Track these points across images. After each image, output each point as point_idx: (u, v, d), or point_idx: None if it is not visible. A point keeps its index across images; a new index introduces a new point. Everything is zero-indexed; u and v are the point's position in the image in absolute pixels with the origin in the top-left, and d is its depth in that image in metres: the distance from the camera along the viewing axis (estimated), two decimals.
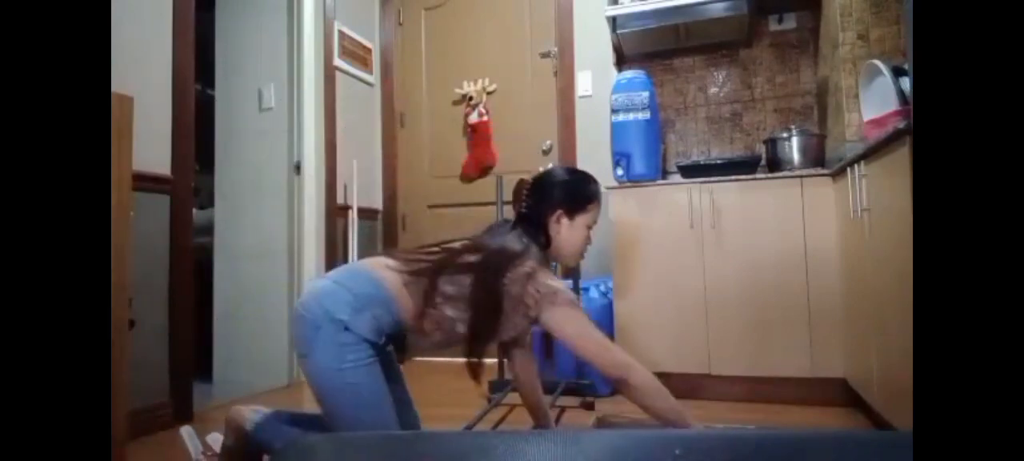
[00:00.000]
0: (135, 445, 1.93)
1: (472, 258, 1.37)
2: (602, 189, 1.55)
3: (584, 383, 2.39)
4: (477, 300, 1.33)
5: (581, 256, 1.52)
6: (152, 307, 2.21)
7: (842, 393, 2.26)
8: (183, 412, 2.27)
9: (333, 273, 1.39)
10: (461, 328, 1.36)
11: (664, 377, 2.46)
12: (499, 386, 2.49)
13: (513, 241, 1.41)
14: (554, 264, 1.88)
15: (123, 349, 1.56)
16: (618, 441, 0.72)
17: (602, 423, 2.11)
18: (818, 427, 2.06)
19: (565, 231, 1.45)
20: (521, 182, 1.54)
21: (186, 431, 1.68)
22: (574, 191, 1.48)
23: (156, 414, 2.16)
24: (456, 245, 1.43)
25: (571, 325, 1.33)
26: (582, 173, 1.56)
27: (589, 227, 1.49)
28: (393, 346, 1.47)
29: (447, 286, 1.34)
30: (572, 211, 1.45)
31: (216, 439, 1.61)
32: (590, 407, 2.34)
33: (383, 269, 1.36)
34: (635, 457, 0.63)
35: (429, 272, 1.35)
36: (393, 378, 1.44)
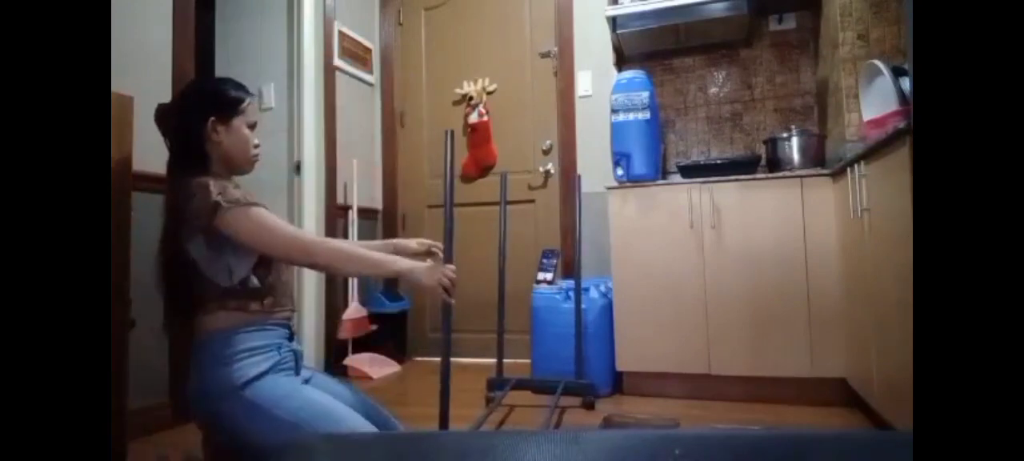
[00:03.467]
0: (135, 445, 1.93)
1: (172, 234, 1.32)
2: (252, 95, 1.45)
3: (583, 383, 2.39)
4: (172, 260, 1.29)
5: (254, 159, 1.43)
6: (152, 307, 2.20)
7: (842, 393, 2.26)
8: (183, 412, 2.26)
9: (192, 363, 1.30)
10: (254, 282, 1.29)
11: (664, 377, 2.51)
12: (498, 385, 2.48)
13: (175, 180, 1.34)
14: (553, 262, 1.87)
15: (123, 349, 1.56)
16: (618, 441, 0.72)
17: (608, 423, 2.11)
18: (818, 427, 2.06)
19: (226, 138, 1.36)
20: (160, 106, 1.44)
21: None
22: (220, 96, 1.39)
23: (156, 414, 2.16)
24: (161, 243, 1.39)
25: (244, 230, 1.23)
26: (220, 78, 1.48)
27: (250, 127, 1.40)
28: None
29: (208, 283, 1.28)
30: (225, 116, 1.37)
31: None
32: (590, 407, 2.34)
33: (199, 320, 1.30)
34: (635, 457, 0.63)
35: (186, 293, 1.30)
36: (329, 388, 1.37)
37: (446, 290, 1.28)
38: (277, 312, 1.34)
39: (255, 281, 1.30)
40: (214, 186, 1.25)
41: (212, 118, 1.35)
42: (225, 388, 1.20)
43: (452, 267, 1.31)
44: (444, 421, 1.62)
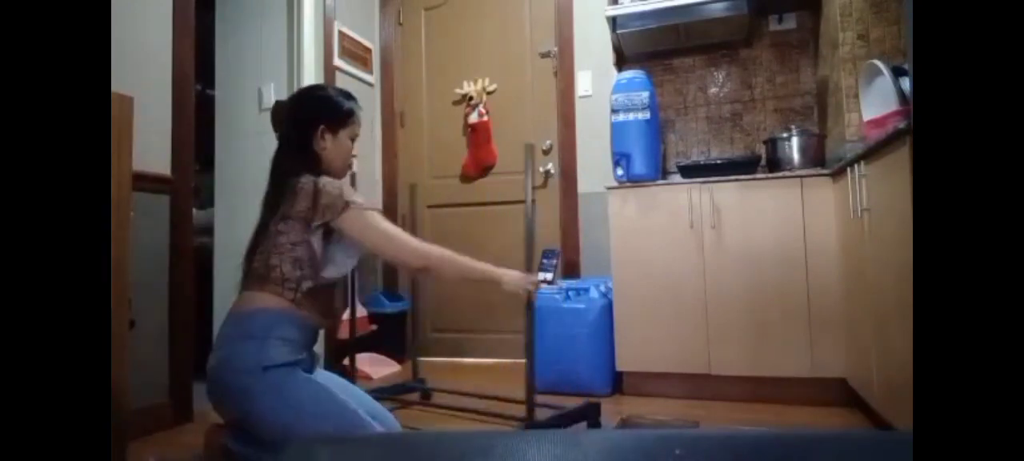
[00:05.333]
0: (135, 445, 1.93)
1: (272, 218, 1.37)
2: (360, 107, 1.59)
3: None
4: (287, 246, 1.33)
5: (348, 169, 1.55)
6: (152, 307, 2.21)
7: (842, 393, 2.26)
8: (183, 412, 2.27)
9: (220, 337, 1.33)
10: (308, 284, 1.34)
11: (664, 377, 2.51)
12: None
13: (288, 173, 1.41)
14: (553, 262, 1.88)
15: (123, 349, 1.56)
16: (618, 441, 0.73)
17: (626, 423, 2.11)
18: (818, 427, 2.06)
19: (331, 146, 1.47)
20: (278, 105, 1.57)
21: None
22: (335, 106, 1.51)
23: (156, 414, 2.16)
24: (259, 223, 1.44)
25: (364, 231, 1.35)
26: (338, 89, 1.61)
27: (352, 140, 1.52)
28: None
29: (285, 265, 1.32)
30: (335, 126, 1.48)
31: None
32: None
33: (258, 292, 1.33)
34: (635, 457, 0.63)
35: (263, 266, 1.34)
36: (340, 386, 1.42)
37: (529, 296, 1.59)
38: (319, 318, 1.40)
39: (325, 281, 1.38)
40: (342, 186, 1.36)
41: (322, 126, 1.46)
42: (250, 364, 1.24)
43: (537, 278, 1.61)
44: (530, 414, 1.86)
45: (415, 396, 2.59)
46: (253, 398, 1.23)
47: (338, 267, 1.38)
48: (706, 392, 2.47)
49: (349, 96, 1.55)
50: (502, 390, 2.45)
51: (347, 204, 1.32)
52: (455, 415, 2.34)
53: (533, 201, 1.95)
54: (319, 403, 1.25)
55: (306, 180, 1.35)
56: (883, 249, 1.68)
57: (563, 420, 1.98)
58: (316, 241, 1.34)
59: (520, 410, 2.05)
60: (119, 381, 1.50)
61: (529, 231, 1.88)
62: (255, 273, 1.34)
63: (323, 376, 1.41)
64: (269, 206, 1.40)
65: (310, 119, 1.46)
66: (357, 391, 1.45)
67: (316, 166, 1.44)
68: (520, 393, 2.05)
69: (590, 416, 2.03)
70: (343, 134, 1.49)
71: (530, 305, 1.77)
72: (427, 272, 1.41)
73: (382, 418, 1.41)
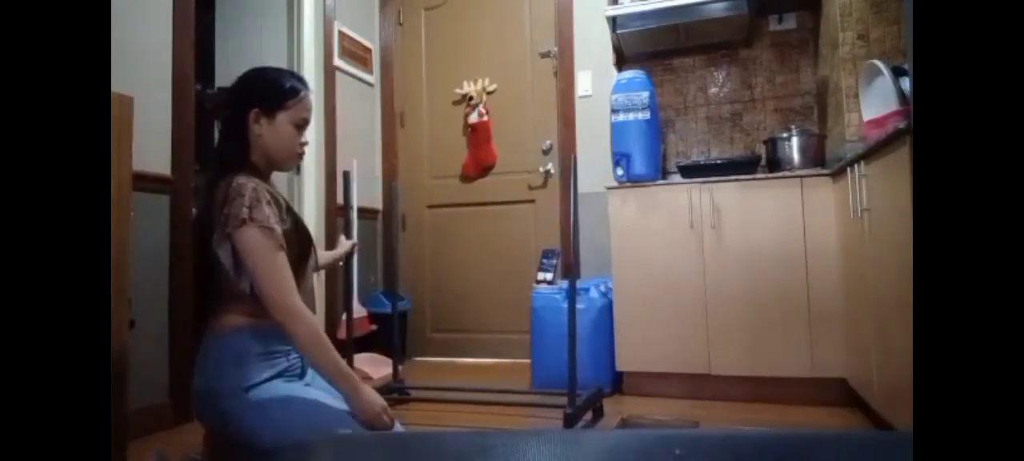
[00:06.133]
0: (135, 445, 1.93)
1: (212, 229, 1.24)
2: (305, 86, 1.37)
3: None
4: (207, 262, 1.22)
5: (296, 158, 1.37)
6: (152, 307, 2.21)
7: (842, 393, 2.26)
8: (183, 412, 2.27)
9: (200, 364, 1.26)
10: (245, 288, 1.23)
11: (664, 377, 2.51)
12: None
13: (218, 176, 1.28)
14: (553, 262, 1.87)
15: (123, 349, 1.55)
16: (618, 441, 0.73)
17: (626, 423, 2.12)
18: (818, 427, 2.06)
19: (267, 132, 1.30)
20: (219, 91, 1.44)
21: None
22: (268, 87, 1.33)
23: (156, 414, 2.16)
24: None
25: (247, 253, 1.18)
26: (279, 69, 1.41)
27: (297, 126, 1.33)
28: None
29: (243, 280, 1.23)
30: (270, 109, 1.30)
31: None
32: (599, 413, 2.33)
33: (224, 311, 1.26)
34: (635, 457, 0.63)
35: (221, 285, 1.25)
36: (325, 389, 1.33)
37: (381, 423, 1.22)
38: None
39: None
40: (249, 196, 1.20)
41: (255, 109, 1.30)
42: (230, 388, 1.19)
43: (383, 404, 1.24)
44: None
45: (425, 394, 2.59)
46: (237, 419, 1.18)
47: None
48: (706, 392, 2.46)
49: (294, 76, 1.37)
50: (495, 386, 2.45)
51: (245, 221, 1.17)
52: (462, 410, 2.34)
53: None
54: (306, 414, 1.19)
55: (231, 180, 1.22)
56: (883, 249, 1.68)
57: (585, 406, 2.14)
58: (223, 251, 1.21)
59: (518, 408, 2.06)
60: (119, 381, 1.50)
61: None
62: (216, 289, 1.26)
63: (323, 383, 1.38)
64: (202, 213, 1.28)
65: (242, 101, 1.31)
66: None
67: (248, 154, 1.30)
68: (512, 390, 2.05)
69: (598, 402, 2.19)
70: (282, 118, 1.30)
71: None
72: (284, 329, 1.19)
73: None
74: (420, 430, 2.09)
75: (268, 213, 1.20)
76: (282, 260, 1.21)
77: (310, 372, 1.37)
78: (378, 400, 1.24)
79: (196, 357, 1.29)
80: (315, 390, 1.28)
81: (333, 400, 1.26)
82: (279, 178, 3.13)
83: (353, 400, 1.22)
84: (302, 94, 1.34)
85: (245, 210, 1.18)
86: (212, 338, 1.27)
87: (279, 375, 1.25)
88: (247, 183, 1.22)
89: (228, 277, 1.23)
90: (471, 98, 3.50)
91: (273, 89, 1.32)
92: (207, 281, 1.28)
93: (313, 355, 1.22)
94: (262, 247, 1.18)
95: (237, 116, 1.30)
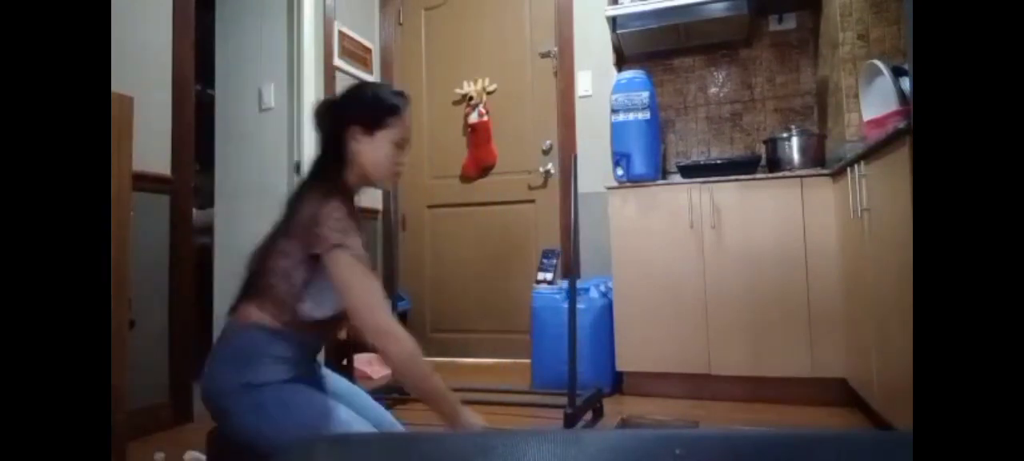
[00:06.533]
0: (135, 445, 1.93)
1: (280, 231, 1.26)
2: (407, 104, 1.38)
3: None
4: (286, 266, 1.22)
5: (394, 176, 1.38)
6: (152, 307, 2.21)
7: (842, 393, 2.26)
8: (183, 412, 2.27)
9: (214, 349, 1.27)
10: (319, 313, 1.24)
11: (664, 377, 2.51)
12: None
13: (306, 184, 1.30)
14: (553, 262, 1.87)
15: (123, 349, 1.56)
16: (618, 441, 0.72)
17: (626, 423, 2.12)
18: (818, 427, 2.06)
19: (366, 148, 1.31)
20: (319, 103, 1.40)
21: (192, 456, 1.63)
22: (371, 104, 1.33)
23: (156, 414, 2.16)
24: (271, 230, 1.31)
25: (339, 272, 1.19)
26: (385, 86, 1.43)
27: (397, 145, 1.34)
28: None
29: (282, 285, 1.23)
30: (371, 126, 1.31)
31: (196, 457, 1.59)
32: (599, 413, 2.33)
33: (254, 307, 1.25)
34: (635, 457, 0.63)
35: (261, 280, 1.24)
36: (342, 391, 1.36)
37: None
38: (317, 339, 1.33)
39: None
40: (342, 223, 1.21)
41: (355, 125, 1.31)
42: (233, 385, 1.19)
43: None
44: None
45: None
46: (236, 416, 1.18)
47: (320, 308, 1.24)
48: (706, 392, 2.47)
49: (397, 93, 1.37)
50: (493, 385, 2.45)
51: (340, 245, 1.18)
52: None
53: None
54: (306, 417, 1.19)
55: (318, 199, 1.22)
56: (883, 249, 1.68)
57: (585, 406, 2.14)
58: (302, 271, 1.22)
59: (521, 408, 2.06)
60: (119, 381, 1.50)
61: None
62: (253, 284, 1.26)
63: (332, 382, 1.39)
64: (284, 215, 1.29)
65: (343, 116, 1.32)
66: (364, 399, 1.39)
67: (345, 170, 1.32)
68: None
69: (598, 402, 2.20)
70: (382, 136, 1.31)
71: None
72: (385, 355, 1.20)
73: (387, 426, 1.39)
74: (420, 430, 2.09)
75: (358, 242, 1.22)
76: (374, 282, 1.22)
77: (330, 375, 1.38)
78: (479, 422, 1.23)
79: (214, 343, 1.30)
80: (318, 394, 1.27)
81: (338, 405, 1.25)
82: (276, 182, 3.14)
83: (454, 423, 1.21)
84: (403, 112, 1.34)
85: (338, 235, 1.19)
86: (231, 329, 1.26)
87: (290, 379, 1.24)
88: (340, 208, 1.22)
89: (275, 278, 1.23)
90: (471, 98, 3.50)
91: (374, 106, 1.33)
92: (248, 270, 1.28)
93: (409, 376, 1.22)
94: (356, 270, 1.19)
95: (337, 131, 1.32)
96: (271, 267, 1.24)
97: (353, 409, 1.28)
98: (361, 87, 1.43)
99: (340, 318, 1.30)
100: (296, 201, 1.28)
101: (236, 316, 1.27)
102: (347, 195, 1.32)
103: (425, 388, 1.21)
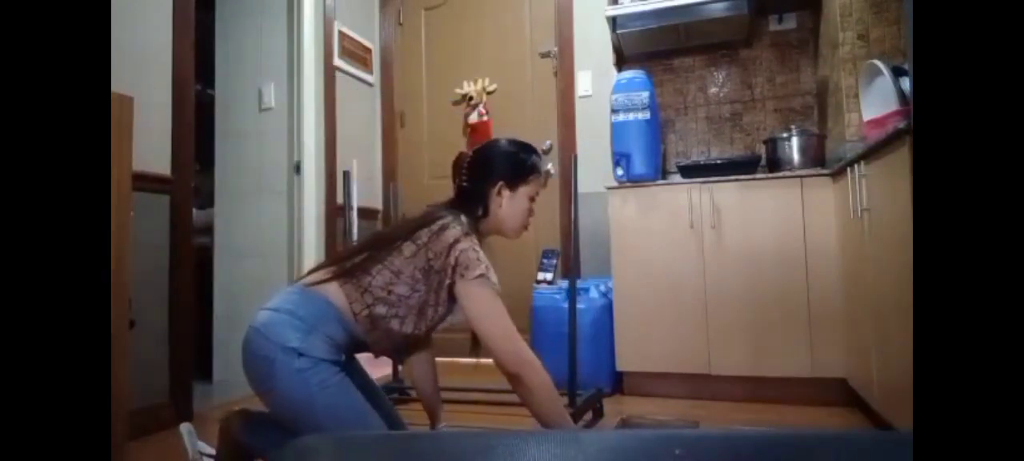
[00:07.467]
0: (135, 445, 1.93)
1: (400, 239, 1.33)
2: (547, 164, 1.55)
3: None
4: (406, 279, 1.30)
5: (524, 228, 1.51)
6: (152, 307, 2.21)
7: (842, 393, 2.26)
8: (183, 412, 2.27)
9: (275, 299, 1.31)
10: (396, 326, 1.31)
11: (664, 377, 2.51)
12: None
13: (444, 215, 1.38)
14: (553, 261, 1.89)
15: (123, 349, 1.56)
16: (618, 441, 0.72)
17: (626, 423, 2.12)
18: (818, 427, 2.06)
19: (507, 203, 1.44)
20: (461, 155, 1.51)
21: (185, 428, 1.66)
22: (515, 162, 1.46)
23: (156, 414, 2.16)
24: (386, 231, 1.42)
25: (479, 303, 1.29)
26: (523, 144, 1.53)
27: (531, 199, 1.48)
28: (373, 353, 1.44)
29: (377, 280, 1.29)
30: (514, 182, 1.45)
31: (204, 447, 1.60)
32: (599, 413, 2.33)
33: (335, 284, 1.31)
34: (635, 457, 0.63)
35: (356, 267, 1.31)
36: (364, 385, 1.40)
37: None
38: (369, 341, 1.37)
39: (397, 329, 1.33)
40: (483, 261, 1.31)
41: (501, 181, 1.43)
42: (287, 342, 1.22)
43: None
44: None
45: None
46: (275, 373, 1.20)
47: (401, 323, 1.32)
48: (706, 392, 2.46)
49: (534, 152, 1.50)
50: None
51: (483, 275, 1.28)
52: (462, 410, 2.33)
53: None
54: (336, 398, 1.22)
55: (460, 233, 1.31)
56: (883, 249, 1.68)
57: (585, 406, 2.15)
58: (406, 286, 1.30)
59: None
60: (119, 381, 1.51)
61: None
62: (345, 266, 1.31)
63: (360, 375, 1.43)
64: (409, 225, 1.37)
65: (490, 173, 1.45)
66: (381, 396, 1.45)
67: (484, 221, 1.43)
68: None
69: (598, 402, 2.21)
70: (522, 190, 1.45)
71: None
72: (518, 381, 1.28)
73: (395, 418, 1.43)
74: (420, 430, 2.09)
75: (496, 279, 1.32)
76: (508, 316, 1.32)
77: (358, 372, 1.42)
78: None
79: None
80: (354, 390, 1.29)
81: (364, 403, 1.28)
82: (276, 182, 3.13)
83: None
84: (542, 168, 1.49)
85: (483, 267, 1.29)
86: (303, 291, 1.30)
87: (332, 362, 1.27)
88: (478, 249, 1.33)
89: (367, 267, 1.30)
90: (471, 98, 3.50)
91: (519, 167, 1.46)
92: (346, 249, 1.37)
93: (542, 405, 1.28)
94: (496, 303, 1.30)
95: (483, 184, 1.44)
96: (377, 261, 1.30)
97: (372, 404, 1.31)
98: (507, 147, 1.54)
99: (406, 341, 1.39)
100: (424, 223, 1.36)
101: (313, 281, 1.31)
102: (479, 240, 1.40)
103: (557, 420, 1.29)
